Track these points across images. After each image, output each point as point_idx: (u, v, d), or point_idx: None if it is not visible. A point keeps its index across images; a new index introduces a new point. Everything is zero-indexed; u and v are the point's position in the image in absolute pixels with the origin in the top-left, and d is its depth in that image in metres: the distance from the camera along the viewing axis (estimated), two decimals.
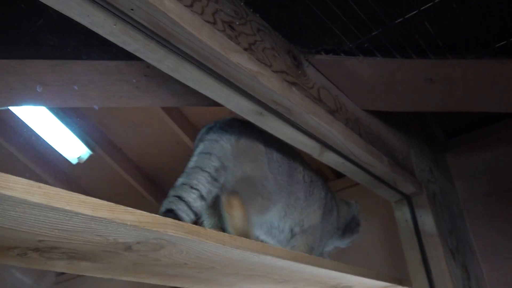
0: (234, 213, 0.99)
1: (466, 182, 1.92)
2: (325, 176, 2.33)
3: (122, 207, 0.62)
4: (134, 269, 0.82)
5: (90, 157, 2.74)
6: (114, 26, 0.69)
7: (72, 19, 0.70)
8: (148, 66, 1.14)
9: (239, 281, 0.98)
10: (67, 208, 0.55)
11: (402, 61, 1.11)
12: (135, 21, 0.68)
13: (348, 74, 1.15)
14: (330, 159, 1.14)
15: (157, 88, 1.23)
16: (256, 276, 0.95)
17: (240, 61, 0.79)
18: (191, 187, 0.93)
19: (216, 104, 1.27)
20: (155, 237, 0.67)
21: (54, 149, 2.63)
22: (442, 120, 2.01)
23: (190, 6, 0.75)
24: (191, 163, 0.99)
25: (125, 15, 0.67)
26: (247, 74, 0.81)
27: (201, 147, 1.02)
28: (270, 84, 0.85)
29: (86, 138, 2.66)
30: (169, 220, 0.67)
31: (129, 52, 0.80)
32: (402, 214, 1.42)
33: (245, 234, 0.93)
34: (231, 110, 0.93)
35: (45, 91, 1.21)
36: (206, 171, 0.96)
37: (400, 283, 1.29)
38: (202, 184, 0.94)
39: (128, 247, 0.70)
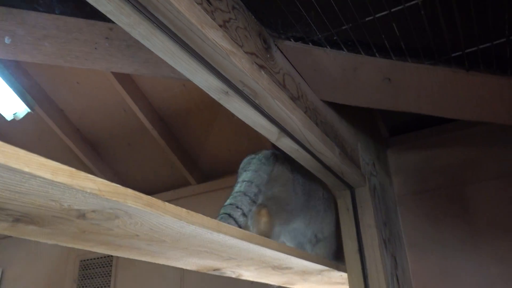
0: (261, 219, 1.33)
1: (402, 178, 2.05)
2: None
3: (82, 173, 0.59)
4: (82, 237, 0.79)
5: (28, 115, 2.57)
6: None
7: None
8: (111, 28, 1.09)
9: (186, 256, 0.99)
10: (26, 170, 0.52)
11: (365, 58, 1.15)
12: None
13: (313, 64, 1.17)
14: (286, 144, 1.16)
15: (117, 53, 1.17)
16: (204, 252, 0.96)
17: (215, 38, 0.77)
18: (237, 207, 1.24)
19: (174, 76, 1.24)
20: (112, 206, 0.66)
21: None
22: (387, 118, 2.12)
23: None
24: (236, 188, 1.33)
25: None
26: (220, 52, 0.79)
27: (244, 175, 1.37)
28: (241, 64, 0.84)
29: (25, 95, 2.49)
30: (130, 191, 0.66)
31: (90, 11, 0.76)
32: (345, 203, 1.49)
33: (267, 237, 1.18)
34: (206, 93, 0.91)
35: None
36: (248, 195, 1.29)
37: (337, 268, 1.36)
38: (244, 205, 1.26)
39: (81, 215, 0.68)
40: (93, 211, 0.67)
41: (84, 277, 2.74)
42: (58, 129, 2.61)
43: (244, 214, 1.23)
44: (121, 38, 1.12)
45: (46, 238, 0.78)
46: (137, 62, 1.21)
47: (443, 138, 2.02)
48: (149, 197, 0.69)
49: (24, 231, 0.73)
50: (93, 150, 2.82)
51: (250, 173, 1.36)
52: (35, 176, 0.53)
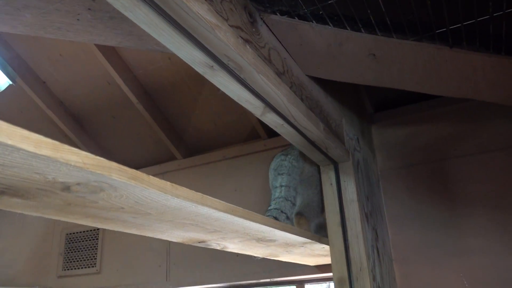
0: (302, 228, 1.49)
1: (385, 153, 2.08)
2: (257, 135, 2.39)
3: (66, 146, 0.59)
4: (68, 210, 0.80)
5: (9, 87, 2.53)
6: None
7: None
8: None
9: (171, 228, 1.00)
10: (9, 142, 0.52)
11: (351, 33, 1.15)
12: None
13: (298, 38, 1.16)
14: (271, 119, 1.17)
15: (99, 25, 1.15)
16: (189, 225, 0.97)
17: (200, 11, 0.76)
18: (281, 211, 1.45)
19: (158, 49, 1.23)
20: (97, 179, 0.66)
21: None
22: (372, 94, 2.14)
23: None
24: (276, 193, 1.52)
25: None
26: (205, 26, 0.79)
27: (281, 179, 1.55)
28: (226, 38, 0.84)
29: (6, 66, 2.43)
30: (114, 164, 0.66)
31: None
32: (328, 178, 1.51)
33: None
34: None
35: None
36: (289, 200, 1.49)
37: (319, 241, 1.39)
38: (288, 209, 1.47)
39: (66, 187, 0.68)
40: (78, 184, 0.67)
41: (70, 250, 2.75)
42: (40, 101, 2.57)
43: (288, 218, 1.47)
44: (104, 10, 1.10)
45: (31, 210, 0.79)
46: (120, 34, 1.19)
47: (427, 114, 2.06)
48: (133, 170, 0.70)
49: (8, 204, 0.73)
50: (77, 123, 2.79)
51: (286, 177, 1.55)
52: (18, 149, 0.53)
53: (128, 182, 0.68)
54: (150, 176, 0.74)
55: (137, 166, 2.81)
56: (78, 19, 1.12)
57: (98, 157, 0.63)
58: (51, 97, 2.65)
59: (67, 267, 2.73)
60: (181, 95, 2.44)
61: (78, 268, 2.69)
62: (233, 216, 0.93)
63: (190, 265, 2.36)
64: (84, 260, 2.69)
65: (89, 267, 2.66)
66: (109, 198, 0.75)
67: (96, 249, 2.68)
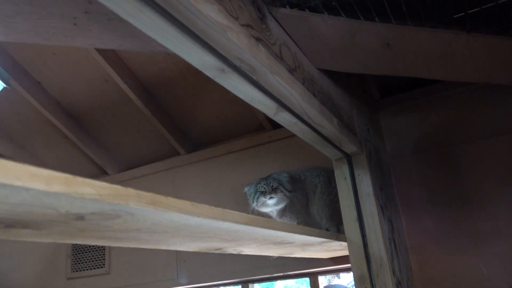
0: None
1: (394, 140, 2.03)
2: (262, 126, 2.33)
3: (79, 178, 0.54)
4: (81, 235, 0.75)
5: (4, 90, 2.45)
6: None
7: None
8: (90, 1, 1.00)
9: (188, 241, 0.96)
10: (17, 183, 0.46)
11: (364, 23, 1.09)
12: None
13: (309, 31, 1.10)
14: (284, 118, 1.11)
15: (97, 27, 1.08)
16: (207, 237, 0.93)
17: (210, 13, 0.70)
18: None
19: (162, 49, 1.16)
20: (113, 208, 0.61)
21: None
22: (378, 79, 2.07)
23: None
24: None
25: None
26: (216, 29, 0.73)
27: (320, 192, 1.74)
28: (238, 40, 0.78)
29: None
30: (131, 190, 0.61)
31: None
32: (342, 172, 1.47)
33: None
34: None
35: None
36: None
37: (337, 239, 1.36)
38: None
39: (80, 217, 0.63)
40: (92, 213, 0.62)
41: (78, 251, 2.72)
42: (37, 103, 2.50)
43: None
44: (102, 12, 1.03)
45: (42, 238, 0.74)
46: (120, 36, 1.12)
47: (434, 98, 2.00)
48: (151, 194, 0.64)
49: (18, 235, 0.68)
50: (76, 123, 2.72)
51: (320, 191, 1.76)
52: (27, 189, 0.48)
53: (146, 208, 0.63)
54: (169, 197, 0.68)
55: (140, 164, 2.75)
56: (74, 23, 1.05)
57: (113, 186, 0.58)
58: (48, 98, 2.58)
59: (75, 268, 2.70)
60: (181, 89, 2.37)
61: (87, 270, 2.66)
62: (253, 227, 0.89)
63: (201, 262, 2.33)
64: (93, 261, 2.66)
65: (98, 268, 2.63)
66: (125, 223, 0.70)
67: (104, 249, 2.65)
